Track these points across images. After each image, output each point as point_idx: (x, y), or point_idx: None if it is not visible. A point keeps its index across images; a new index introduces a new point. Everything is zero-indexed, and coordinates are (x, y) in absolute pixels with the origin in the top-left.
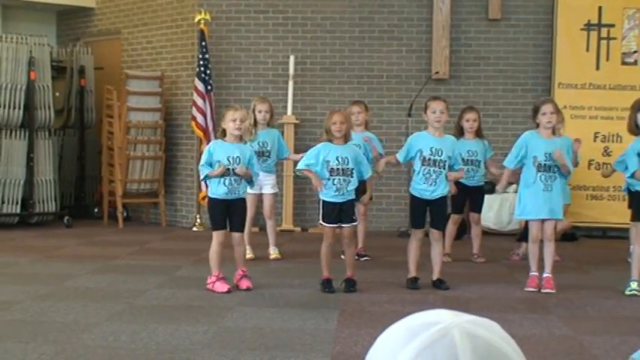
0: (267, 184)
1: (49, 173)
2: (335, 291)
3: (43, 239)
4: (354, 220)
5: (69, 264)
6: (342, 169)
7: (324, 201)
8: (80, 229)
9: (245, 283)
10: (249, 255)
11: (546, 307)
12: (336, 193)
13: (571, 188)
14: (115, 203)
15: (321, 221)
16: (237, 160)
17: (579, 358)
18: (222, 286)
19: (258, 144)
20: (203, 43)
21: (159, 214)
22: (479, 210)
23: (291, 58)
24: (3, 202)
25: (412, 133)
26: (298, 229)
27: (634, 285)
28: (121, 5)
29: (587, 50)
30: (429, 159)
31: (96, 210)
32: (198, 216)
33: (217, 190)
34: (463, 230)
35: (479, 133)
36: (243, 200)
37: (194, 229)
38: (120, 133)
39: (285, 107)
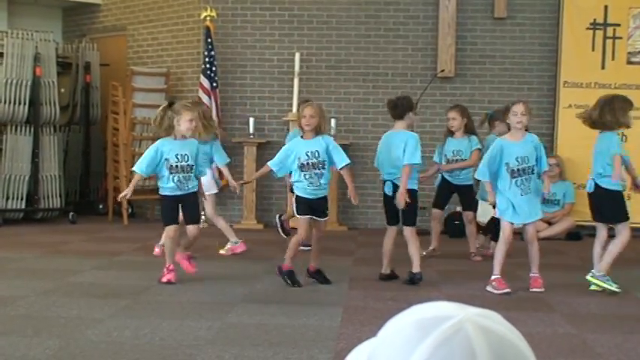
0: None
1: (54, 169)
2: (299, 284)
3: (47, 235)
4: (325, 215)
5: (73, 260)
6: (313, 164)
7: (297, 196)
8: (85, 225)
9: (190, 267)
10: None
11: (550, 306)
12: (310, 188)
13: (575, 187)
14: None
15: (295, 214)
16: (186, 157)
17: (583, 356)
18: (169, 276)
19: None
20: (209, 40)
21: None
22: (470, 208)
23: (297, 56)
24: (8, 198)
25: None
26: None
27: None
28: (126, 1)
29: (593, 49)
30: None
31: (101, 206)
32: (202, 213)
33: (167, 186)
34: (463, 229)
35: (468, 130)
36: (193, 194)
37: None
38: (125, 130)
39: (291, 105)
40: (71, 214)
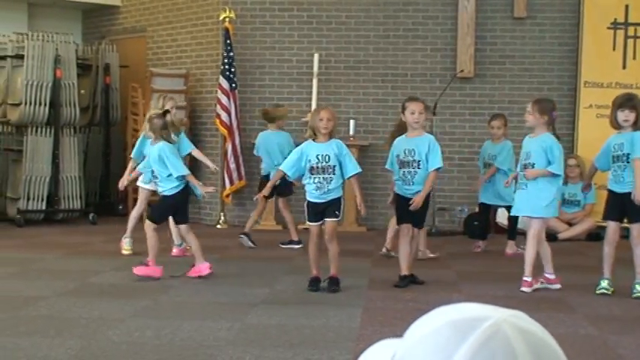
0: None
1: (75, 170)
2: (319, 290)
3: (68, 236)
4: (336, 216)
5: (94, 260)
6: (323, 167)
7: (308, 201)
8: (105, 226)
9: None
10: (127, 250)
11: (571, 307)
12: (317, 192)
13: (596, 187)
14: None
15: (306, 221)
16: (148, 161)
17: (605, 357)
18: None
19: None
20: (228, 41)
21: None
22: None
23: (316, 56)
24: (29, 199)
25: (435, 133)
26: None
27: (604, 283)
28: (146, 3)
29: (614, 49)
30: (403, 161)
31: (120, 207)
32: (222, 213)
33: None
34: (486, 230)
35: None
36: (165, 197)
37: (218, 226)
38: None
39: (310, 105)
40: (91, 215)
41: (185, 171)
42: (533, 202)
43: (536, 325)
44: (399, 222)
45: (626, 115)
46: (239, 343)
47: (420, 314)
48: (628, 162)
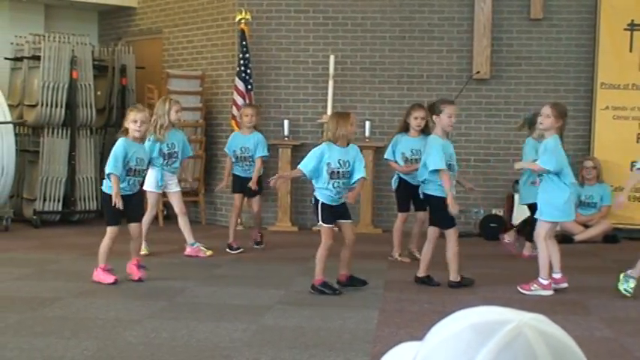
0: (171, 183)
1: (91, 171)
2: (339, 290)
3: (84, 237)
4: (350, 217)
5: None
6: (343, 173)
7: (323, 203)
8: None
9: (137, 273)
10: (144, 251)
11: (587, 309)
12: (337, 197)
13: (612, 189)
14: None
15: (320, 222)
16: (142, 162)
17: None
18: (108, 278)
19: (167, 145)
20: (243, 43)
21: (199, 212)
22: (425, 208)
23: (331, 58)
24: (45, 200)
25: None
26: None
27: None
28: (162, 5)
29: (631, 50)
30: (452, 165)
31: None
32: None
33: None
34: (498, 231)
35: (425, 131)
36: (138, 193)
37: None
38: None
39: (325, 107)
40: None
41: None
42: (540, 205)
43: (558, 328)
44: (451, 225)
45: None
46: (255, 344)
47: (437, 316)
48: None
